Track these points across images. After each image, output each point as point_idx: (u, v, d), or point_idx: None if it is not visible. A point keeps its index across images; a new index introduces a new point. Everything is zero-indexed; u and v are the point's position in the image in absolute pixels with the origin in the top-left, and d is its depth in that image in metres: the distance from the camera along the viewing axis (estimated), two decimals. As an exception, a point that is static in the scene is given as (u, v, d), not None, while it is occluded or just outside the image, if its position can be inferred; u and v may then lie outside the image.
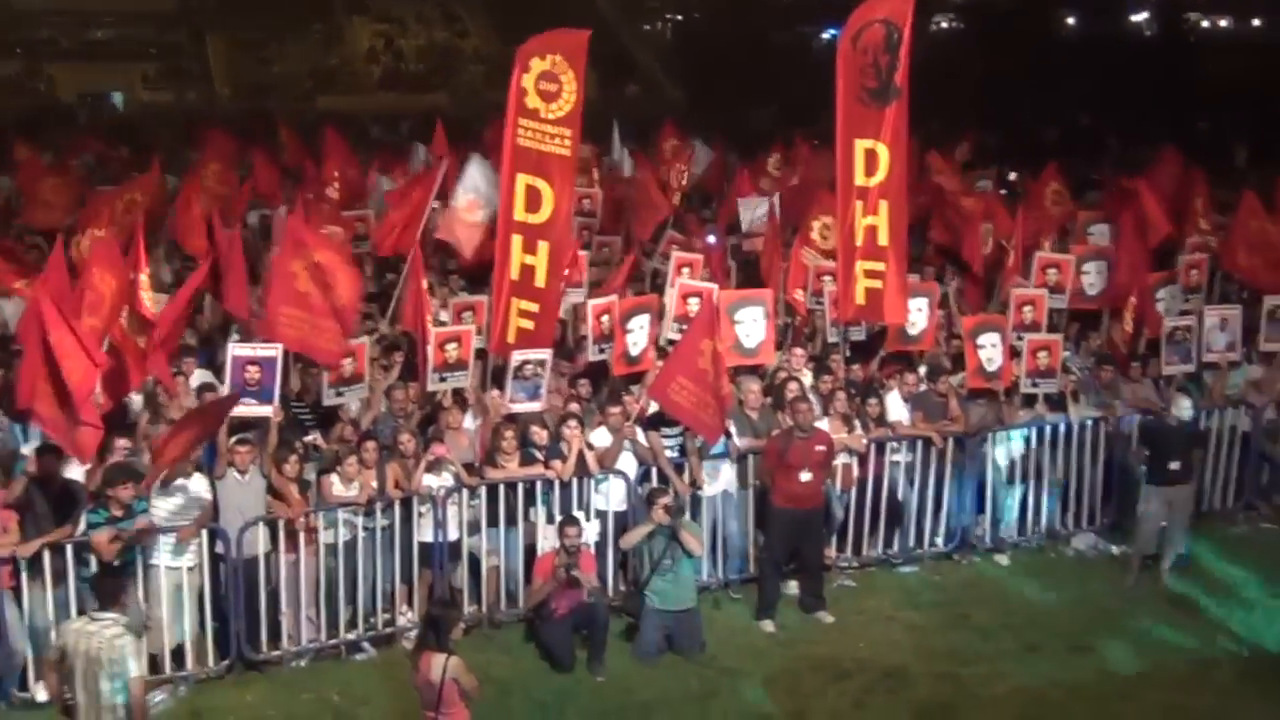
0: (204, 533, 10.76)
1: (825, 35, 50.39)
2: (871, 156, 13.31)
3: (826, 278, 14.80)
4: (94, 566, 10.19)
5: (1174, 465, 12.77)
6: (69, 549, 10.27)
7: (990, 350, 13.48)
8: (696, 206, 22.08)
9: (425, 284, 13.93)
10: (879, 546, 13.18)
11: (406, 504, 11.45)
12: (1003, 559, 13.44)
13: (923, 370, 13.82)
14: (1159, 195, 18.15)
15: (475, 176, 16.47)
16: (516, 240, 12.52)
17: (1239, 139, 29.27)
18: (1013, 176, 25.34)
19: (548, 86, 12.38)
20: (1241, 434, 14.35)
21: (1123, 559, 13.30)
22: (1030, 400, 13.58)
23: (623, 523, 11.89)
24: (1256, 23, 55.66)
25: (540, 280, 12.62)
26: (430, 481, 11.46)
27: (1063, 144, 32.08)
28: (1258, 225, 16.77)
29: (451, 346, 12.45)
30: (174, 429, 10.71)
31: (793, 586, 12.36)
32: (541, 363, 12.39)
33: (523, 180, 12.47)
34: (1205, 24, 57.60)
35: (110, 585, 8.97)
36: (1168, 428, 12.93)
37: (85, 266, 12.06)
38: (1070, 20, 56.69)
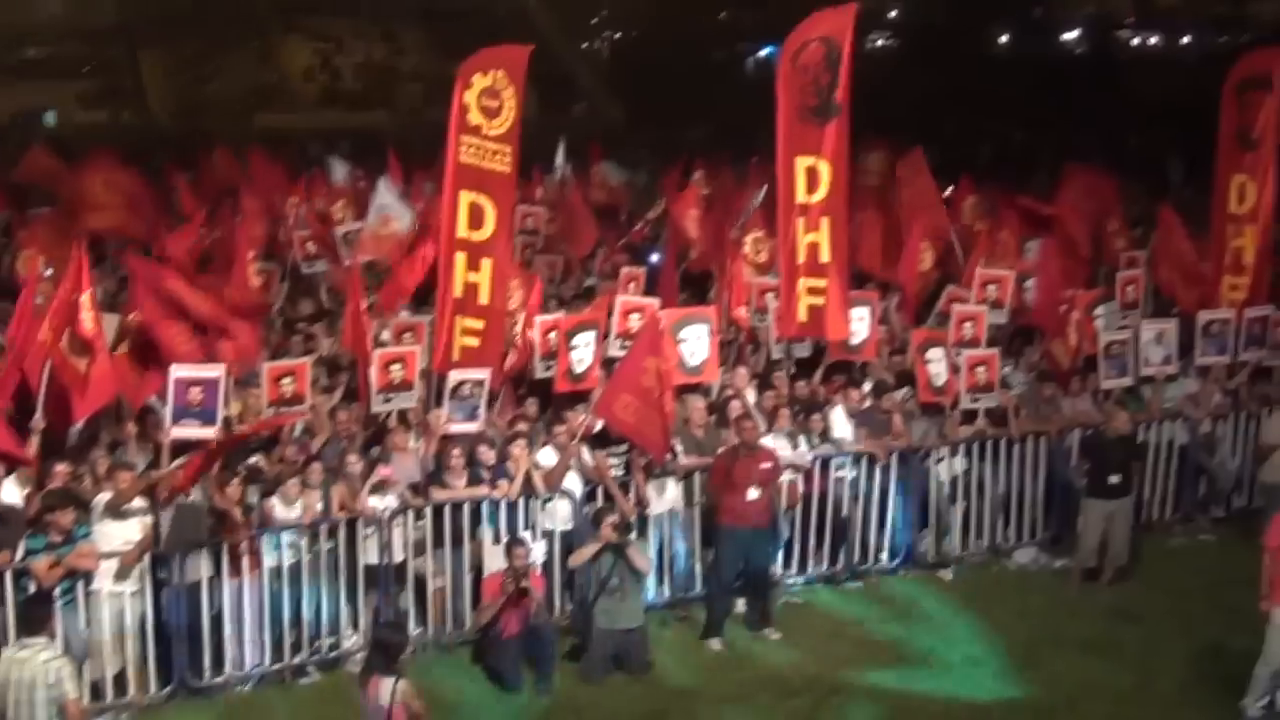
0: (146, 557, 10.63)
1: (762, 53, 50.83)
2: (813, 173, 13.44)
3: (769, 294, 14.86)
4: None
5: (1113, 478, 12.93)
6: (8, 575, 10.09)
7: (937, 365, 13.61)
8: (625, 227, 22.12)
9: (365, 305, 13.88)
10: (825, 563, 13.23)
11: (352, 526, 11.37)
12: (946, 574, 13.53)
13: (867, 387, 13.89)
14: (1077, 214, 18.41)
15: (384, 195, 17.46)
16: (460, 257, 12.48)
17: (1173, 156, 29.67)
18: (948, 192, 25.51)
19: (489, 103, 12.37)
20: (1179, 447, 14.54)
21: (1064, 572, 13.43)
22: (971, 415, 13.69)
23: (569, 542, 11.86)
24: (1185, 40, 56.66)
25: (484, 297, 12.59)
26: (376, 503, 11.38)
27: (996, 160, 32.40)
28: (1175, 242, 17.16)
29: (396, 367, 12.38)
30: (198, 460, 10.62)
31: (740, 604, 12.37)
32: (479, 383, 12.33)
33: (466, 197, 12.45)
34: (1135, 41, 58.56)
35: (37, 611, 8.88)
36: (1107, 441, 13.10)
37: (60, 280, 12.04)
38: (1003, 39, 57.49)
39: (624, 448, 12.32)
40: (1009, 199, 19.62)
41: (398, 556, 11.54)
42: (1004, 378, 14.07)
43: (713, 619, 12.06)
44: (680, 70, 48.42)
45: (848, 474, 13.15)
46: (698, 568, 12.62)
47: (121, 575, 10.46)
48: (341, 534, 11.33)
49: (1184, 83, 42.28)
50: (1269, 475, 13.95)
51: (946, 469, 13.55)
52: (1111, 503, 12.93)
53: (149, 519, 10.67)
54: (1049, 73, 46.95)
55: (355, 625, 11.54)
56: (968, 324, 14.69)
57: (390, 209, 17.83)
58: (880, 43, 54.58)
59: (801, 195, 13.53)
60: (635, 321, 13.77)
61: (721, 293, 15.65)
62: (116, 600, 10.53)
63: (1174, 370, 14.70)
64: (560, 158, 24.71)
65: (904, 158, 19.59)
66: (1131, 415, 13.61)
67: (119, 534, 10.52)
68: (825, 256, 13.61)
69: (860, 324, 14.19)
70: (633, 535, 11.52)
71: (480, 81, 12.32)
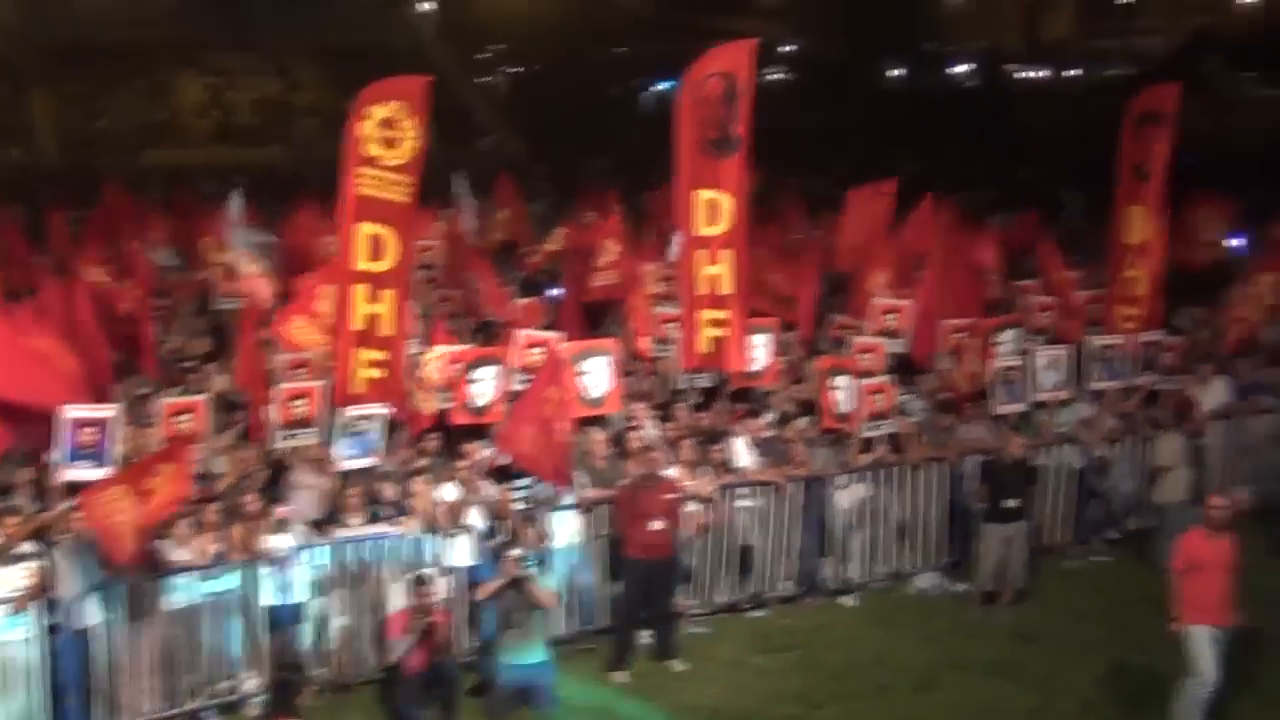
0: (39, 602, 10.36)
1: (659, 87, 51.23)
2: (713, 206, 13.55)
3: (671, 325, 14.92)
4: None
5: (1009, 503, 13.11)
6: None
7: (842, 392, 13.73)
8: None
9: (259, 341, 13.72)
10: (729, 592, 13.25)
11: (251, 566, 11.17)
12: (850, 600, 13.61)
13: (769, 416, 13.97)
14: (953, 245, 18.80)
15: (240, 236, 18.62)
16: (360, 290, 12.36)
17: (1063, 186, 30.24)
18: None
19: (388, 134, 12.28)
20: (1074, 471, 14.76)
21: (965, 596, 13.57)
22: (871, 443, 13.82)
23: (473, 578, 11.76)
24: (1073, 73, 58.07)
25: (386, 329, 12.47)
26: (276, 542, 11.19)
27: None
28: (1054, 272, 17.54)
29: (299, 403, 12.23)
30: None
31: (645, 636, 12.34)
32: (376, 417, 12.19)
33: (364, 229, 12.32)
34: (1028, 74, 59.86)
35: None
36: (1003, 466, 13.27)
37: None
38: (896, 72, 58.56)
39: (527, 481, 12.26)
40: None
41: (298, 596, 11.35)
42: (903, 405, 14.23)
43: (618, 651, 12.03)
44: (580, 104, 48.69)
45: (750, 503, 13.20)
46: (602, 600, 12.57)
47: (12, 621, 10.19)
48: (240, 575, 11.13)
49: (1073, 115, 43.37)
50: (1161, 496, 14.25)
51: (847, 496, 13.64)
52: (1009, 526, 13.11)
53: (39, 564, 10.40)
54: (941, 106, 47.89)
55: (255, 668, 11.33)
56: (867, 354, 14.87)
57: (247, 248, 18.00)
58: (775, 77, 55.28)
59: (702, 228, 13.66)
60: (536, 355, 13.71)
61: (626, 323, 15.69)
62: (5, 648, 10.25)
63: (1067, 395, 14.96)
64: (459, 193, 24.66)
65: (857, 187, 20.00)
66: (1026, 440, 13.82)
67: (6, 580, 10.24)
68: (726, 288, 13.73)
69: (760, 350, 14.30)
70: (537, 569, 11.45)
71: (378, 112, 12.23)
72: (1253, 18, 56.90)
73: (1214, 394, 15.48)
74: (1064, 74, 59.22)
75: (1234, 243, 22.62)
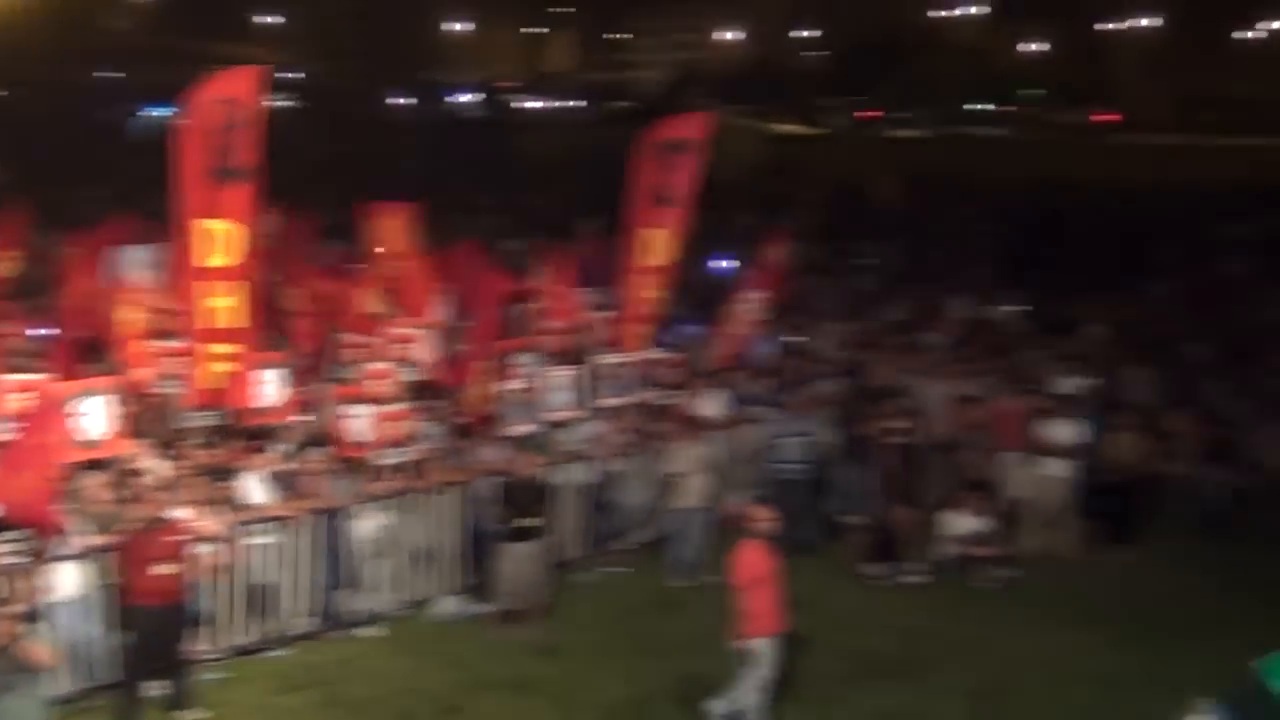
0: None
1: (152, 113, 49.41)
2: (219, 237, 13.13)
3: (176, 360, 14.31)
4: None
5: (525, 522, 13.38)
6: None
7: (357, 421, 13.66)
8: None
9: None
10: (246, 633, 12.82)
11: None
12: (372, 631, 13.47)
13: (284, 448, 13.64)
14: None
15: None
16: None
17: (575, 212, 31.25)
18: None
19: None
20: (587, 486, 15.24)
21: (486, 617, 13.71)
22: (388, 470, 13.77)
23: (-41, 641, 10.81)
24: (574, 104, 60.60)
25: None
26: None
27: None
28: (564, 297, 18.34)
29: None
30: None
31: (157, 687, 11.74)
32: None
33: None
34: (530, 105, 61.95)
35: None
36: (517, 486, 13.54)
37: None
38: (400, 101, 59.15)
39: (20, 532, 11.38)
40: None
41: None
42: (418, 431, 14.26)
43: (127, 706, 11.37)
44: (69, 131, 46.22)
45: (265, 540, 12.83)
46: (108, 653, 11.84)
47: None
48: None
49: (576, 143, 45.16)
50: (674, 503, 14.99)
51: (366, 526, 13.52)
52: (527, 545, 13.37)
53: None
54: (446, 134, 48.70)
55: None
56: (378, 380, 14.82)
57: None
58: (279, 104, 54.48)
59: (206, 259, 13.20)
60: (20, 400, 12.78)
61: (120, 360, 14.92)
62: None
63: (578, 414, 15.46)
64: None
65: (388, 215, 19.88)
66: (540, 459, 14.17)
67: None
68: (233, 322, 13.35)
69: (272, 385, 13.98)
70: (32, 626, 10.65)
71: None
72: (731, 56, 61.42)
73: (711, 406, 16.43)
74: (565, 105, 61.67)
75: (724, 264, 24.23)
